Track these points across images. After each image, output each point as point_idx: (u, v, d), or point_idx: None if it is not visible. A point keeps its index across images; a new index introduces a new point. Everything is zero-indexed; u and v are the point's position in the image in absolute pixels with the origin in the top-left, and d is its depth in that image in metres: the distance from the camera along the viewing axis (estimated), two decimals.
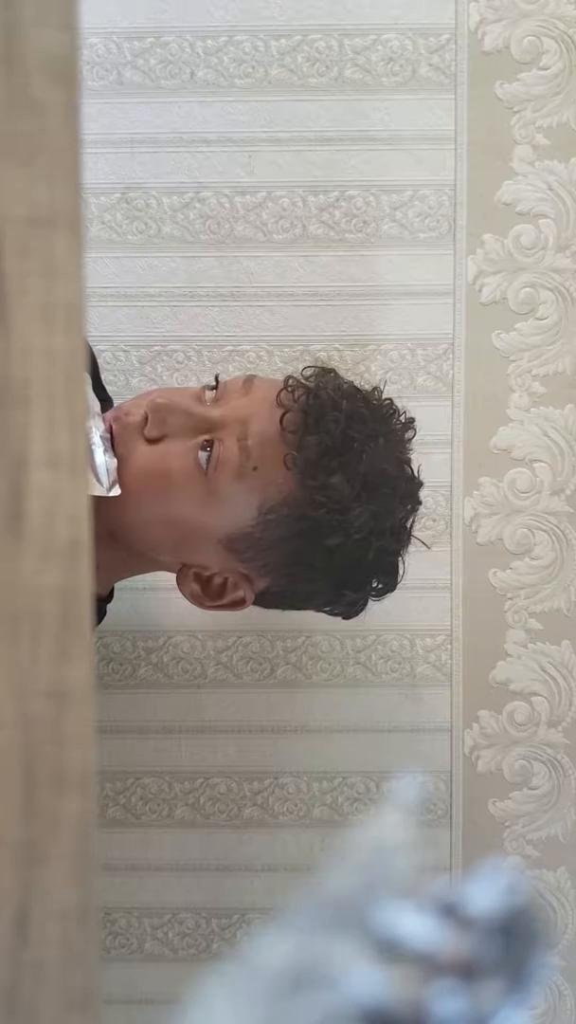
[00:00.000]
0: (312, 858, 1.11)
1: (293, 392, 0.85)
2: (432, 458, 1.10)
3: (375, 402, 0.88)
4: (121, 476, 0.84)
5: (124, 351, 1.10)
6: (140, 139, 1.09)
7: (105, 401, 1.00)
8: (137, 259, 1.10)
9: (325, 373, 0.89)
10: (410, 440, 0.90)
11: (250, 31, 1.08)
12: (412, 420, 0.90)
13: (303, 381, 0.87)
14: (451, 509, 1.11)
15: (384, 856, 0.31)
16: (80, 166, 0.41)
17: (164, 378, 1.10)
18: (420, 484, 0.91)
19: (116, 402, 1.03)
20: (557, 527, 1.11)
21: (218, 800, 1.12)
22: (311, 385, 0.86)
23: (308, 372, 0.89)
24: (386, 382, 1.00)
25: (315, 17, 1.08)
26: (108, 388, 1.09)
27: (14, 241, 0.41)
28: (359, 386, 0.90)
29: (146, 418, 0.85)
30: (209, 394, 0.87)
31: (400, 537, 0.88)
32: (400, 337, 1.10)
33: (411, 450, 0.90)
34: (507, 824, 1.13)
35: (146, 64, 1.08)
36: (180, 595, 0.91)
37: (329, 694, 1.12)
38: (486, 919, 0.30)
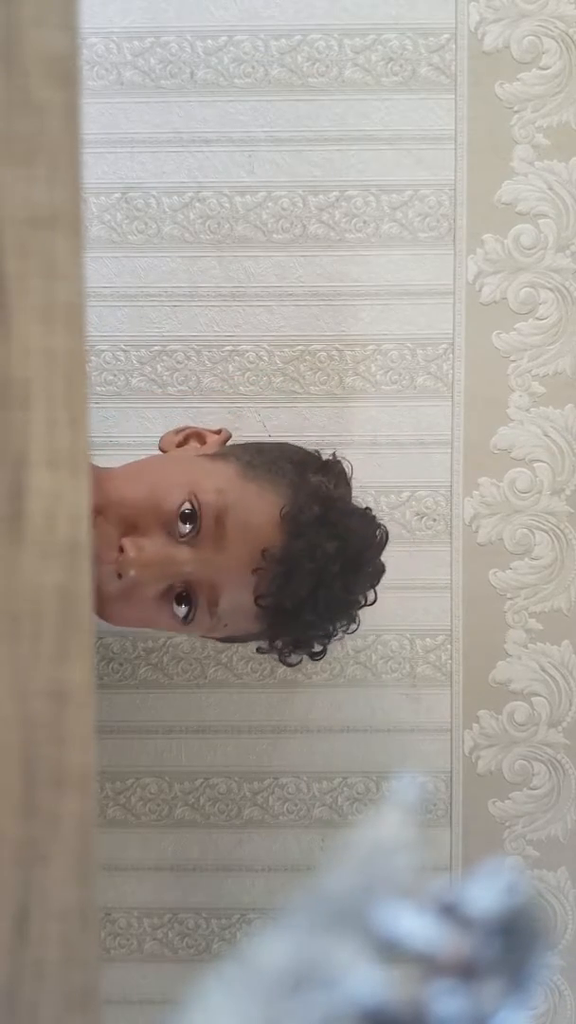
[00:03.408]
0: (312, 858, 1.11)
1: (269, 568, 0.84)
2: (432, 458, 1.10)
3: (355, 564, 0.88)
4: (105, 603, 0.87)
5: (124, 351, 1.10)
6: (140, 139, 1.09)
7: None
8: (137, 259, 1.10)
9: (302, 533, 0.85)
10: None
11: (250, 31, 1.08)
12: (382, 561, 0.92)
13: (278, 552, 0.84)
14: (451, 509, 1.11)
15: (384, 856, 0.31)
16: (80, 166, 0.41)
17: (164, 378, 1.10)
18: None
19: (112, 402, 1.04)
20: (557, 527, 1.11)
21: (218, 800, 1.12)
22: (286, 563, 0.84)
23: (288, 521, 0.85)
24: (381, 520, 0.95)
25: (315, 17, 1.08)
26: (108, 388, 1.09)
27: (14, 241, 0.41)
28: (345, 531, 0.87)
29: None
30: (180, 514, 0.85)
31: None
32: (400, 337, 1.10)
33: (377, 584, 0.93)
34: (507, 824, 1.13)
35: (146, 64, 1.08)
36: None
37: (329, 694, 1.12)
38: (486, 919, 0.30)
